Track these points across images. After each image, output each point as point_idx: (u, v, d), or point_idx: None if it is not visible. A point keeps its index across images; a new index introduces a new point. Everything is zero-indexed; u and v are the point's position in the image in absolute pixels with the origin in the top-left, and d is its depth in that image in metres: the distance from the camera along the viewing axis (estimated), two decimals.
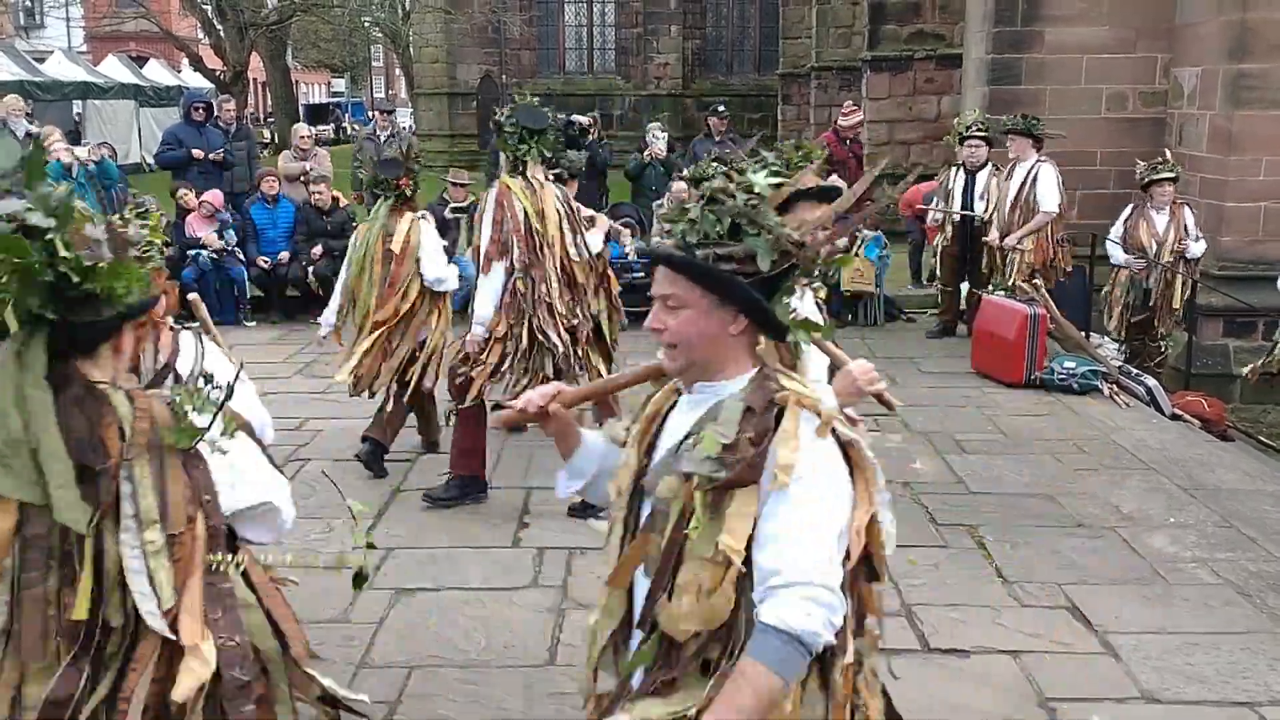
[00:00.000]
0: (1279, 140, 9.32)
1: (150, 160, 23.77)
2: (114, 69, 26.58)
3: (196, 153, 10.92)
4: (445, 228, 10.72)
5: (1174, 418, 7.84)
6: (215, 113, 11.62)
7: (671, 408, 2.15)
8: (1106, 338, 9.42)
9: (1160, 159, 8.76)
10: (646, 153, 11.67)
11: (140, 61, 31.45)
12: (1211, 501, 5.95)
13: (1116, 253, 8.85)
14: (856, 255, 10.42)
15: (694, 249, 1.98)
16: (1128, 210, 8.85)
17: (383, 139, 11.86)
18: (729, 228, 1.97)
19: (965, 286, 9.68)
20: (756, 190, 1.98)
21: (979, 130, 9.41)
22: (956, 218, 9.56)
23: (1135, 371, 8.57)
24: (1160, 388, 8.25)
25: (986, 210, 9.28)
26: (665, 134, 12.62)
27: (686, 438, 2.00)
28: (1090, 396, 8.04)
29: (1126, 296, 8.85)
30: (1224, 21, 9.49)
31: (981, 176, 9.42)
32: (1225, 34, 9.48)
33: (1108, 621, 4.51)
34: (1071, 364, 8.26)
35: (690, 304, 2.00)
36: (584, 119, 11.40)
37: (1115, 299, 8.93)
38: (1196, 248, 8.66)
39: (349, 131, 39.23)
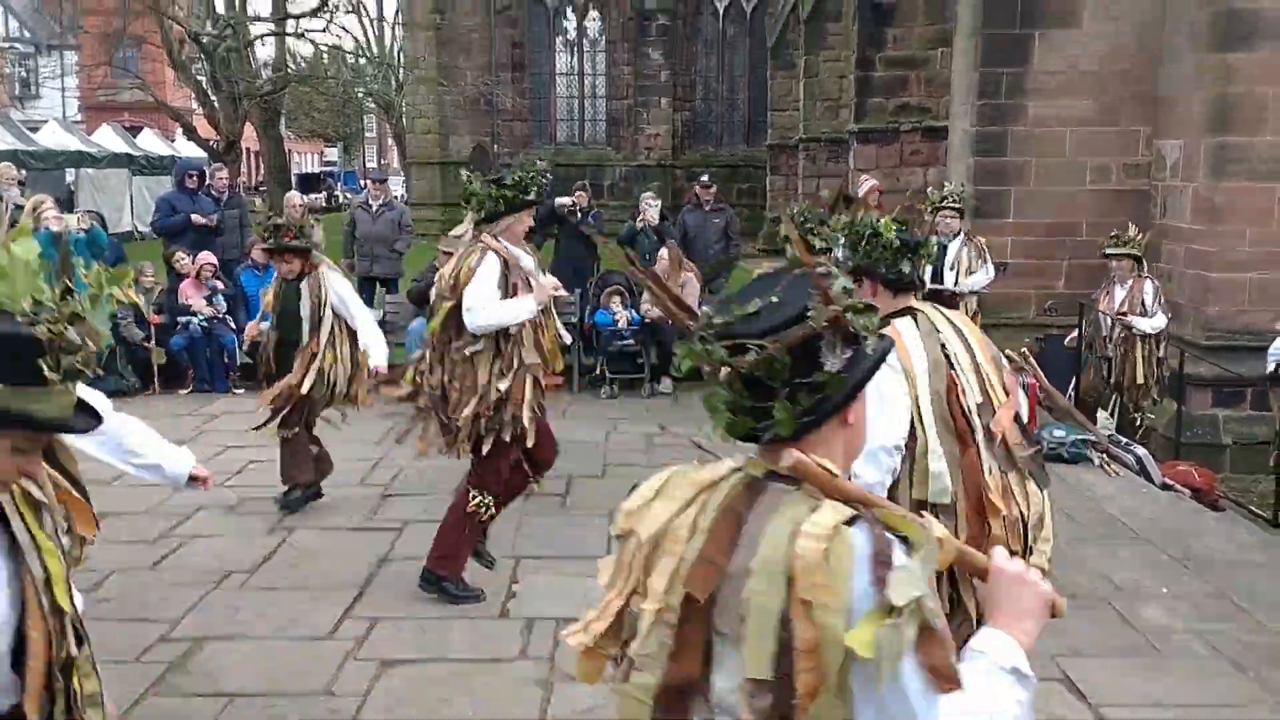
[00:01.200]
0: (1262, 211, 9.41)
1: (142, 228, 23.87)
2: (107, 138, 26.78)
3: (196, 217, 10.97)
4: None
5: (1164, 487, 7.82)
6: (208, 181, 11.69)
7: None
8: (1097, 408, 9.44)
9: (1116, 233, 8.91)
10: (639, 219, 11.77)
11: (134, 131, 31.71)
12: (1204, 572, 5.92)
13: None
14: None
15: None
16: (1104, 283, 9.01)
17: (375, 207, 11.93)
18: None
19: None
20: None
21: (953, 202, 9.57)
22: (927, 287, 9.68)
23: (1125, 441, 8.57)
24: (1150, 457, 8.23)
25: (956, 281, 9.44)
26: (658, 203, 12.72)
27: None
28: (1080, 466, 8.03)
29: (1088, 367, 9.03)
30: (1205, 95, 9.65)
31: (953, 247, 9.55)
32: (1207, 107, 9.63)
33: (1102, 694, 4.45)
34: (1061, 433, 8.25)
35: None
36: (567, 200, 11.45)
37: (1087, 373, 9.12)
38: (1144, 323, 8.68)
39: (341, 200, 39.51)
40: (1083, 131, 10.71)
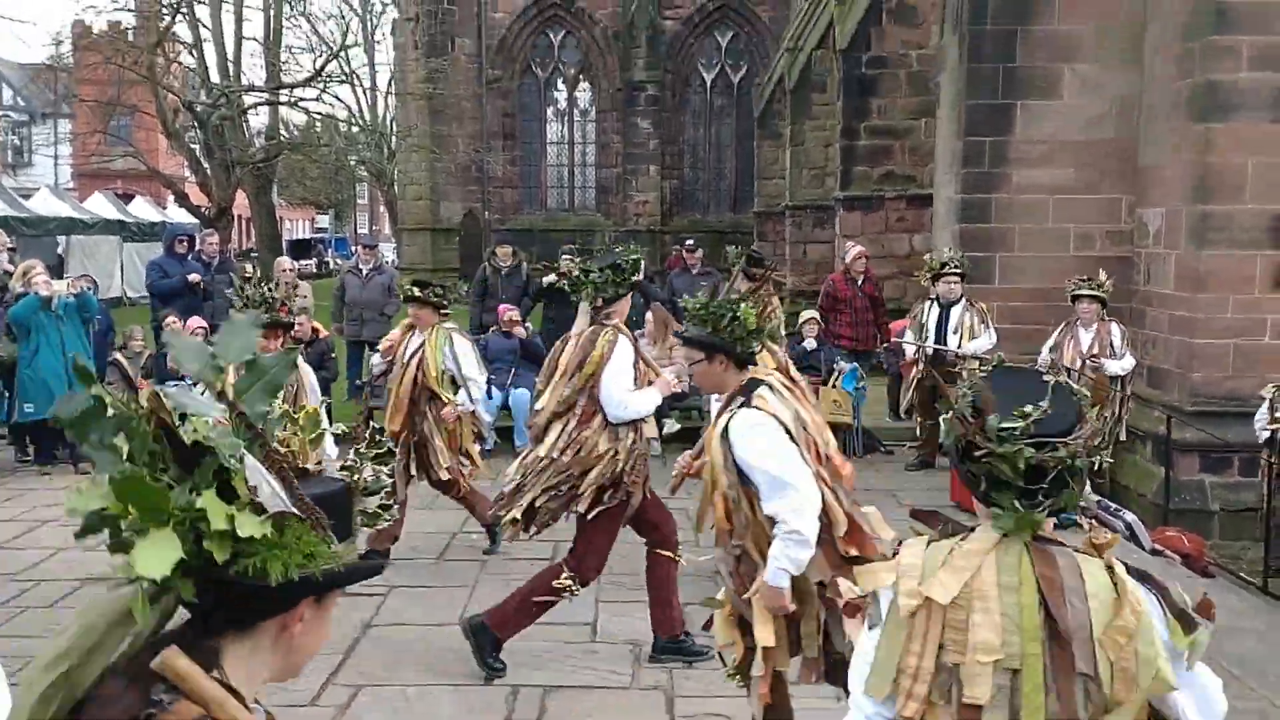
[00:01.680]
0: (1245, 279, 9.50)
1: (131, 294, 23.92)
2: (99, 205, 26.94)
3: (192, 276, 11.01)
4: None
5: (1154, 553, 7.81)
6: (198, 246, 11.75)
7: None
8: None
9: (1086, 276, 9.12)
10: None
11: (126, 198, 31.91)
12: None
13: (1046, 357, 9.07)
14: (834, 387, 10.52)
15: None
16: (1059, 329, 9.06)
17: (364, 272, 11.99)
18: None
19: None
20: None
21: (955, 267, 9.66)
22: (930, 351, 9.74)
23: (1114, 506, 8.56)
24: (1139, 523, 8.23)
25: (959, 344, 9.48)
26: (643, 264, 12.89)
27: None
28: (1069, 531, 8.00)
29: None
30: (1186, 164, 9.79)
31: (955, 311, 9.62)
32: (1188, 176, 9.77)
33: None
34: None
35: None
36: (551, 278, 11.54)
37: None
38: (1114, 365, 8.91)
39: (332, 266, 39.69)
40: (1066, 199, 10.85)
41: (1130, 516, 8.27)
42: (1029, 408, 2.08)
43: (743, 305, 3.89)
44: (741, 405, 3.67)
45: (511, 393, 10.36)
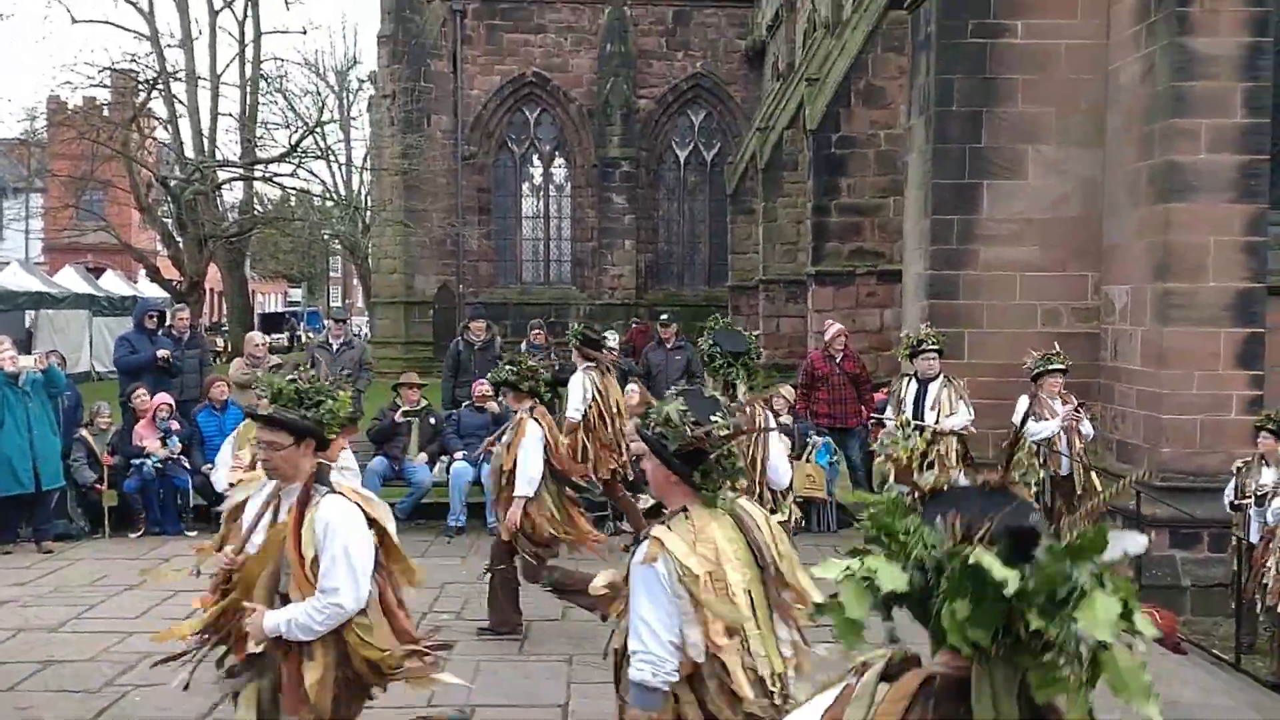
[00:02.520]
0: (1209, 356, 9.63)
1: (100, 368, 23.74)
2: (70, 279, 26.82)
3: (161, 353, 10.94)
4: (395, 432, 10.77)
5: None
6: (168, 321, 11.71)
7: None
8: None
9: (1046, 353, 9.30)
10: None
11: (97, 272, 31.81)
12: (1169, 716, 5.85)
13: (1044, 428, 9.13)
14: (808, 461, 10.54)
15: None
16: (1026, 403, 9.17)
17: (335, 346, 11.97)
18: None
19: None
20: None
21: (933, 344, 9.77)
22: (910, 427, 9.82)
23: None
24: None
25: (937, 420, 9.55)
26: (617, 338, 13.00)
27: None
28: None
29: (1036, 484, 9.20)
30: (1148, 244, 9.98)
31: (933, 387, 9.71)
32: (1150, 255, 9.95)
33: None
34: None
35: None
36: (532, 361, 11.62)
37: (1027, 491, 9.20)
38: (1088, 426, 9.35)
39: (304, 339, 39.59)
40: (1033, 276, 11.01)
41: None
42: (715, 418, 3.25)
43: (342, 394, 3.91)
44: (329, 492, 3.73)
45: (484, 469, 10.32)
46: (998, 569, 1.58)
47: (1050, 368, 9.17)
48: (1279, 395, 9.28)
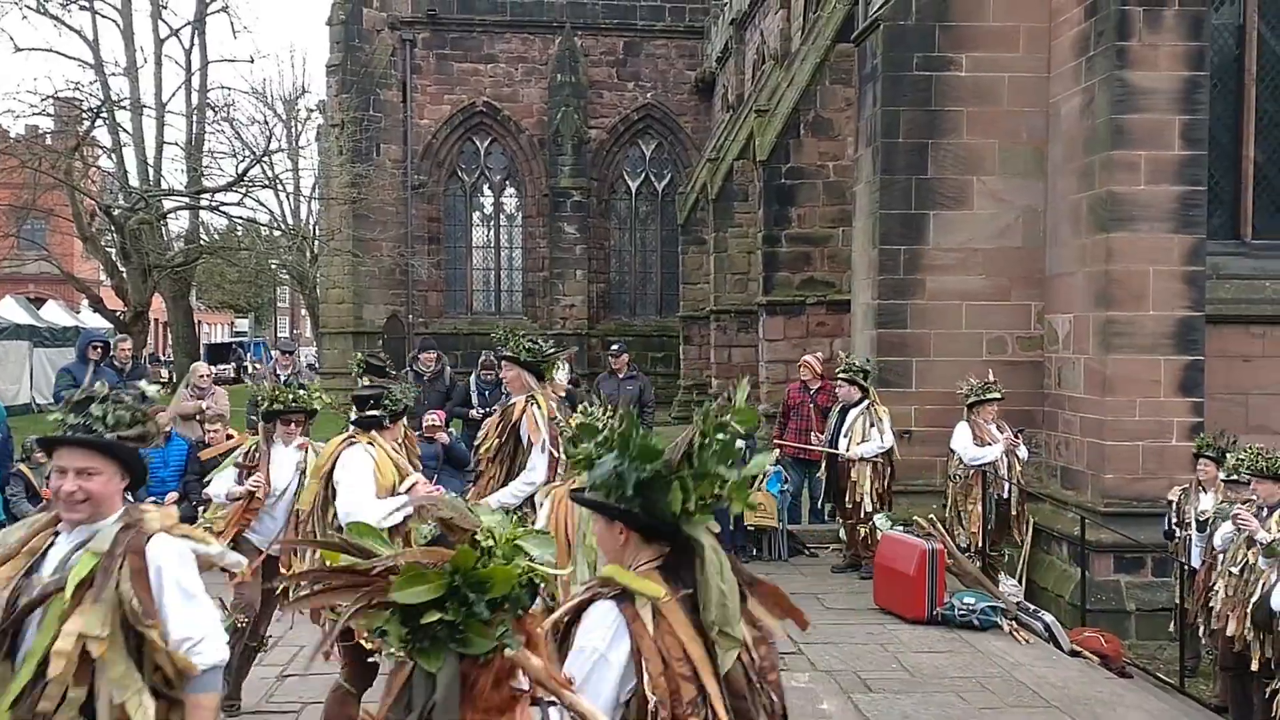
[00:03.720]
0: (1151, 383, 9.81)
1: (40, 400, 23.27)
2: (9, 310, 26.32)
3: (99, 386, 10.72)
4: None
5: (1073, 654, 7.88)
6: (111, 352, 11.51)
7: None
8: (1003, 574, 9.58)
9: (989, 380, 9.70)
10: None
11: (38, 303, 31.25)
12: None
13: (988, 452, 9.41)
14: (759, 489, 10.56)
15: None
16: (968, 430, 9.53)
17: (283, 378, 11.81)
18: None
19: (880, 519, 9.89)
20: None
21: (841, 372, 10.01)
22: (825, 451, 10.37)
23: (1033, 608, 8.67)
24: (1058, 624, 8.33)
25: (848, 447, 9.76)
26: (567, 367, 12.94)
27: None
28: (991, 633, 8.07)
29: (980, 506, 9.35)
30: (1089, 273, 10.16)
31: (851, 414, 9.90)
32: (1092, 284, 10.13)
33: None
34: (971, 600, 8.32)
35: None
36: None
37: (973, 513, 9.40)
38: (1024, 450, 9.79)
39: (250, 370, 39.10)
40: (977, 305, 11.16)
41: (1049, 618, 8.37)
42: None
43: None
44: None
45: None
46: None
47: (987, 397, 9.45)
48: (1219, 422, 9.45)
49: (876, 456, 9.75)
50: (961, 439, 9.55)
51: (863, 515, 9.82)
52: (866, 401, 9.89)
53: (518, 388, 6.48)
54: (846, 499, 9.96)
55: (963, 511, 9.60)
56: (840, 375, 10.02)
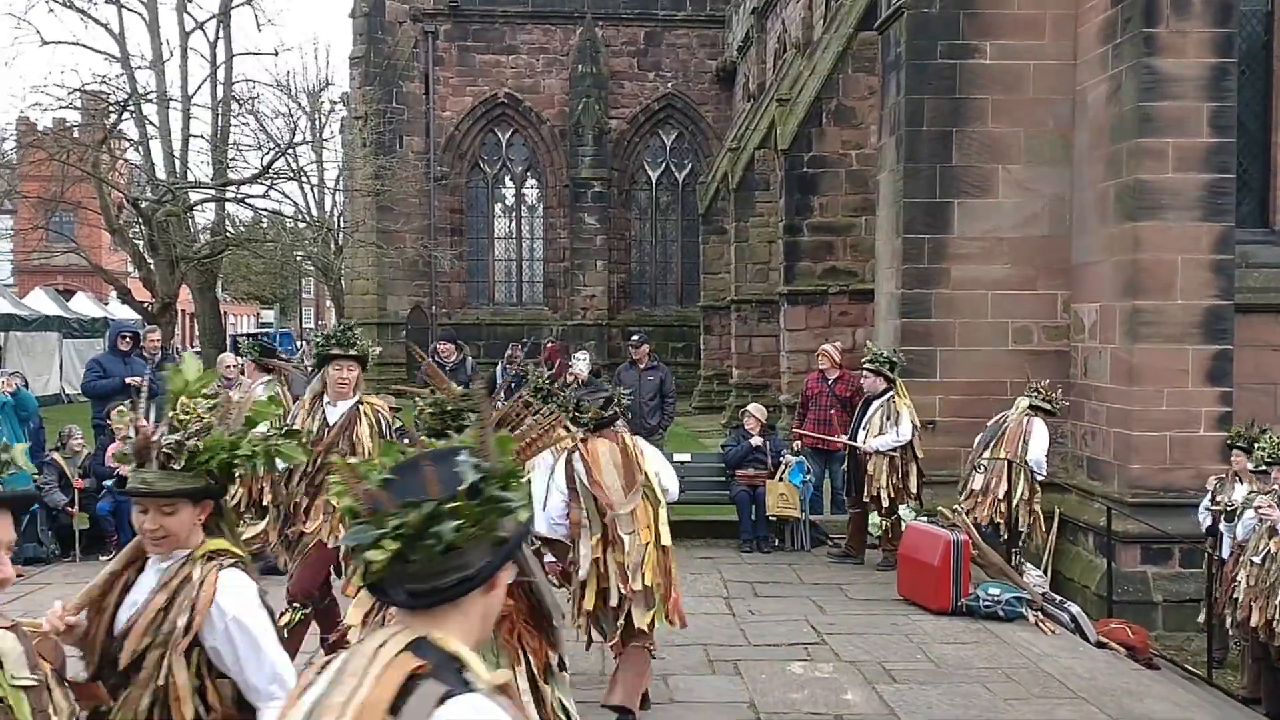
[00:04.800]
0: (1178, 372, 9.74)
1: (70, 391, 23.50)
2: (39, 301, 26.58)
3: (131, 380, 10.83)
4: None
5: (1099, 645, 7.85)
6: (140, 343, 11.61)
7: None
8: (1029, 564, 9.53)
9: (1056, 394, 9.53)
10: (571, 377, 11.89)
11: (67, 294, 31.52)
12: None
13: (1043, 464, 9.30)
14: (781, 480, 10.56)
15: None
16: (1045, 433, 9.27)
17: (309, 366, 11.88)
18: None
19: (888, 515, 9.83)
20: None
21: (867, 363, 9.89)
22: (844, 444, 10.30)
23: (1059, 599, 8.63)
24: (1084, 615, 8.29)
25: (865, 439, 9.68)
26: (587, 357, 13.04)
27: None
28: (1016, 624, 8.04)
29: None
30: (1117, 262, 10.08)
31: (873, 406, 9.82)
32: (1119, 273, 10.06)
33: None
34: (996, 590, 8.29)
35: None
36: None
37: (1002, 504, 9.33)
38: (875, 441, 9.74)
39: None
40: (1003, 295, 11.10)
41: (1074, 609, 8.33)
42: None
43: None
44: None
45: None
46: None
47: (1050, 407, 9.36)
48: (1247, 411, 9.38)
49: (893, 450, 9.66)
50: (1042, 443, 9.29)
51: (882, 509, 9.77)
52: (890, 394, 9.81)
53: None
54: (864, 492, 9.88)
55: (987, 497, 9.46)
56: (866, 366, 9.95)
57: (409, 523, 1.75)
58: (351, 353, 6.08)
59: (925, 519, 9.23)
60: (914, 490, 9.73)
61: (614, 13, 26.96)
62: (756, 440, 10.95)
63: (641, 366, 12.04)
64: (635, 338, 12.58)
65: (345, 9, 27.69)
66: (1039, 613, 8.20)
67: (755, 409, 11.44)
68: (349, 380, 6.03)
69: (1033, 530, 9.31)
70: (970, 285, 11.12)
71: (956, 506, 9.16)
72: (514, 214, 28.48)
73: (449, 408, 4.18)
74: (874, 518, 10.04)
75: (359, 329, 6.19)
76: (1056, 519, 10.14)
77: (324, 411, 6.09)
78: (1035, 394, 9.40)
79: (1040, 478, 9.22)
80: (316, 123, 39.59)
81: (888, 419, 9.68)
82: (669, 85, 27.43)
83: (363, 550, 1.78)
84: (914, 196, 11.20)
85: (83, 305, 29.67)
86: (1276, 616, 6.82)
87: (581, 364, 12.33)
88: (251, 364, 9.13)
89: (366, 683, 1.71)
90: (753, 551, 10.50)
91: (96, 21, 23.19)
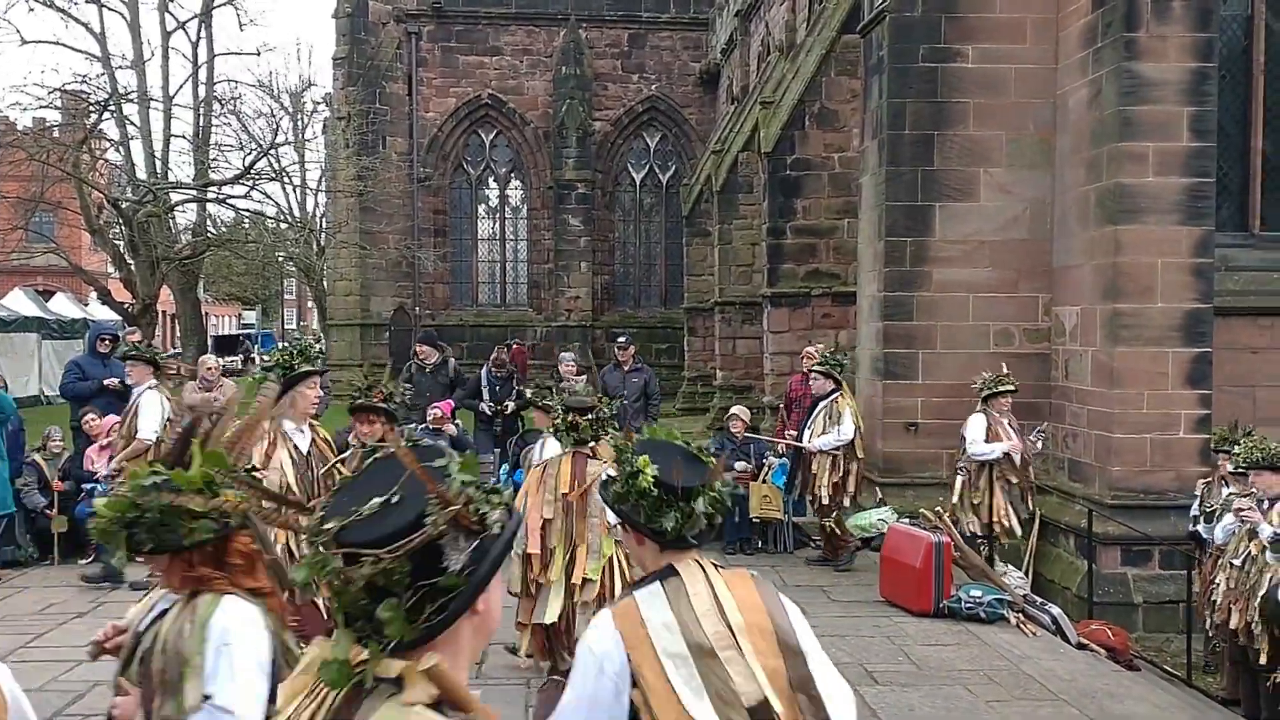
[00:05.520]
0: (1158, 375, 9.79)
1: (49, 392, 23.34)
2: (18, 302, 26.40)
3: (109, 382, 10.76)
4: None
5: (1080, 646, 7.88)
6: (121, 345, 11.53)
7: None
8: (1010, 566, 9.58)
9: (1003, 373, 9.55)
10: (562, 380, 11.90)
11: (46, 295, 31.31)
12: None
13: (992, 450, 9.32)
14: (764, 482, 10.57)
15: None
16: (982, 421, 9.33)
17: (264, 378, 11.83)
18: None
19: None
20: None
21: (818, 366, 9.93)
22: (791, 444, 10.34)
23: (1040, 600, 8.67)
24: (1065, 617, 8.33)
25: (809, 439, 9.76)
26: (573, 358, 13.09)
27: None
28: (997, 625, 8.07)
29: (988, 497, 9.35)
30: (1097, 265, 10.14)
31: (819, 407, 9.88)
32: (1099, 276, 10.11)
33: None
34: (978, 592, 8.32)
35: None
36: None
37: (982, 504, 9.35)
38: (1041, 444, 9.72)
39: (258, 362, 39.16)
40: (984, 297, 11.15)
41: (1056, 610, 8.37)
42: (373, 502, 1.61)
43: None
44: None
45: None
46: None
47: (1000, 389, 9.36)
48: (1226, 414, 9.44)
49: (836, 450, 9.72)
50: (975, 429, 9.47)
51: (819, 507, 9.84)
52: (835, 395, 9.87)
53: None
54: (808, 492, 9.99)
55: (968, 501, 9.54)
56: (816, 369, 10.00)
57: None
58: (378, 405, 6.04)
59: (907, 521, 9.28)
60: (851, 490, 9.81)
61: (597, 14, 26.94)
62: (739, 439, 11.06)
63: (626, 368, 12.05)
64: (621, 340, 12.59)
65: (328, 9, 27.66)
66: (1020, 614, 8.23)
67: (740, 411, 11.47)
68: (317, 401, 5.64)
69: (993, 523, 9.39)
70: (952, 288, 11.17)
71: (938, 508, 9.19)
72: (498, 215, 28.43)
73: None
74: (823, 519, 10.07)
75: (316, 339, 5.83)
76: (1038, 521, 10.18)
77: (293, 440, 5.48)
78: (985, 386, 9.54)
79: (980, 459, 9.30)
80: (299, 123, 39.49)
81: (830, 419, 9.75)
82: (653, 87, 27.42)
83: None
84: (896, 199, 11.23)
85: (62, 306, 29.49)
86: (1255, 619, 6.85)
87: (566, 364, 12.34)
88: (141, 368, 8.91)
89: None
90: (736, 553, 10.51)
91: (77, 21, 23.05)
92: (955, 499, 9.42)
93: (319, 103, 37.36)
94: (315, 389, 5.48)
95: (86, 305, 31.15)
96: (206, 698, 2.52)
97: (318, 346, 6.18)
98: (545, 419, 6.92)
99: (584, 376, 12.94)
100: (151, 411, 8.55)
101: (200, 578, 2.61)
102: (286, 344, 5.66)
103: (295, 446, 5.43)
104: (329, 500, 1.68)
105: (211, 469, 2.56)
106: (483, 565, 1.64)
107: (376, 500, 1.60)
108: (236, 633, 2.57)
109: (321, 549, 1.61)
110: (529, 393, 7.04)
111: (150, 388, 8.79)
